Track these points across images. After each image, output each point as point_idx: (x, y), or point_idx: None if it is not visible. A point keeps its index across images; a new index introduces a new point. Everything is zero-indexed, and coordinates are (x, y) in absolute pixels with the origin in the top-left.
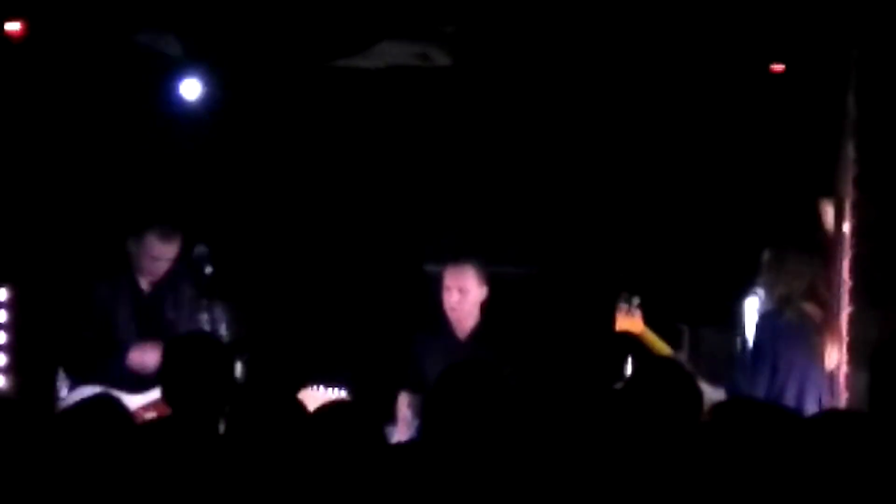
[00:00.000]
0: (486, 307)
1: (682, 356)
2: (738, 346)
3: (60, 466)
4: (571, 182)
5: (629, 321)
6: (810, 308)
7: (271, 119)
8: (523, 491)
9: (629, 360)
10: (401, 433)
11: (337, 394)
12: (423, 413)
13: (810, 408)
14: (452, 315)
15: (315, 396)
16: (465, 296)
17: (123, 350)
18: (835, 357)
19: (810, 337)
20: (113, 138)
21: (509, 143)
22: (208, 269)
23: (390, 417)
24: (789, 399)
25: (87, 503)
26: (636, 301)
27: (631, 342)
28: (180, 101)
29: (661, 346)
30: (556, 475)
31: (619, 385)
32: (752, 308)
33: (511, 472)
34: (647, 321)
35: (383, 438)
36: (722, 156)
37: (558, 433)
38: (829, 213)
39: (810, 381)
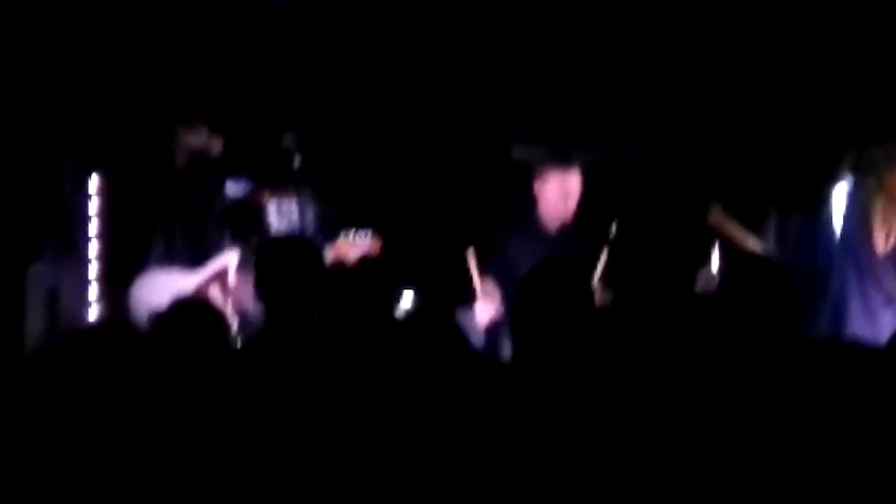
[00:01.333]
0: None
1: (769, 245)
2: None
3: (166, 378)
4: (660, 70)
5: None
6: (863, 197)
7: (351, 4)
8: (611, 406)
9: (715, 250)
10: (488, 308)
11: (366, 237)
12: (511, 316)
13: (853, 297)
14: (550, 216)
15: (350, 244)
16: (571, 199)
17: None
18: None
19: (863, 225)
20: (199, 26)
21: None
22: (297, 159)
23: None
24: (836, 288)
25: (199, 408)
26: None
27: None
28: None
29: (741, 234)
30: (647, 392)
31: (703, 274)
32: (840, 194)
33: (601, 387)
34: (735, 207)
35: (472, 354)
36: (814, 44)
37: (647, 346)
38: None
39: (859, 269)
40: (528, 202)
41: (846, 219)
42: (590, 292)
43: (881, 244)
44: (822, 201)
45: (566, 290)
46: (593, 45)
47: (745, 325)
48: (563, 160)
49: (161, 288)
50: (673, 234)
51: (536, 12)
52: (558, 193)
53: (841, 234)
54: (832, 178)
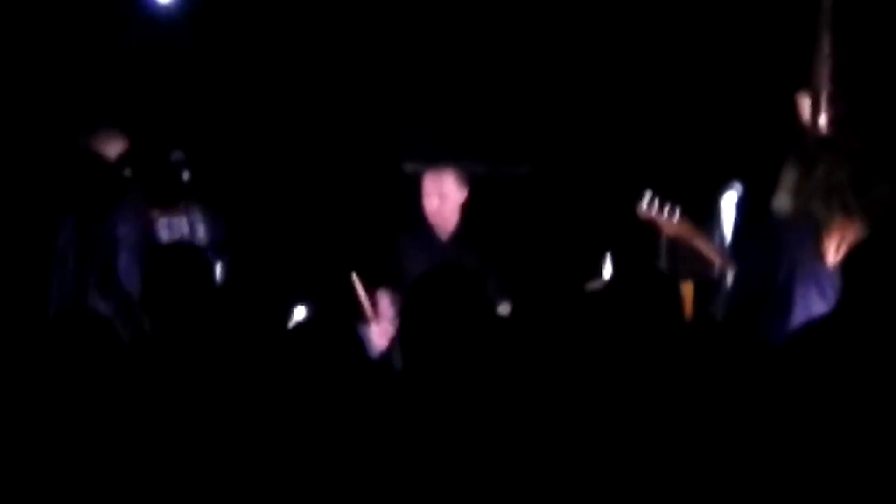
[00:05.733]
0: (468, 207)
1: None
2: (717, 241)
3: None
4: (552, 81)
5: (679, 227)
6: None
7: (242, 18)
8: (503, 410)
9: (607, 259)
10: (383, 330)
11: None
12: (401, 320)
13: (799, 303)
14: (433, 219)
15: None
16: (444, 201)
17: None
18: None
19: (809, 234)
20: (86, 41)
21: (490, 35)
22: (185, 174)
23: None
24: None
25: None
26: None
27: (609, 241)
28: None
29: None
30: (535, 392)
31: (594, 284)
32: (730, 203)
33: (492, 389)
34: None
35: (367, 361)
36: (700, 52)
37: (537, 348)
38: (805, 106)
39: (805, 276)
40: (421, 214)
41: (794, 230)
42: (480, 297)
43: (831, 256)
44: (713, 211)
45: (454, 295)
46: (487, 65)
47: (631, 324)
48: (433, 164)
49: None
50: (561, 243)
51: (430, 33)
52: (431, 193)
53: (786, 245)
54: (721, 188)
